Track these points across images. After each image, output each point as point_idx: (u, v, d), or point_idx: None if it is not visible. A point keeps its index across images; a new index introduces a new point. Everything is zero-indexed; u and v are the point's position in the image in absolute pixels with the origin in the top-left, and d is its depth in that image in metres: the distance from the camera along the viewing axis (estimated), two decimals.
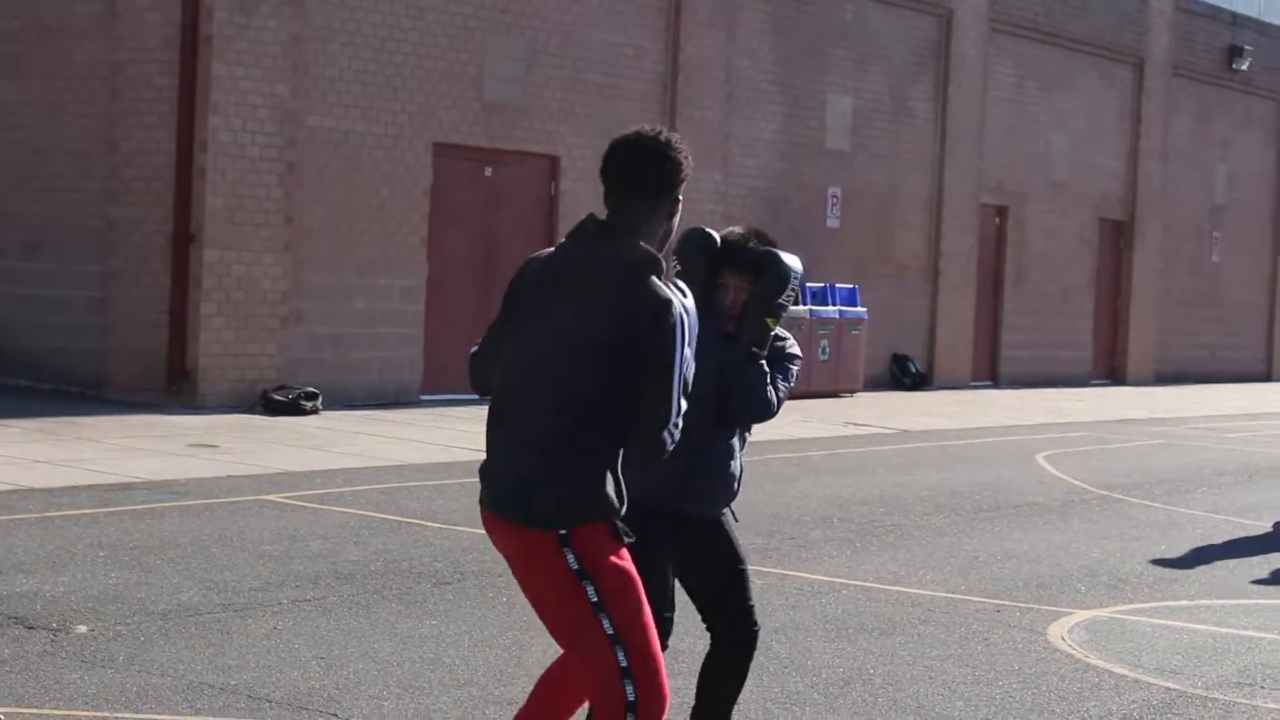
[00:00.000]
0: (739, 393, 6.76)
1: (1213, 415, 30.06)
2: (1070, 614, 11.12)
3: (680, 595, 6.96)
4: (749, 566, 7.09)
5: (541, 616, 5.55)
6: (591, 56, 24.99)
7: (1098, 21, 35.85)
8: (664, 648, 6.72)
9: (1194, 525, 15.74)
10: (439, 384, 22.78)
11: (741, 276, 6.83)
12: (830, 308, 27.78)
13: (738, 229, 6.99)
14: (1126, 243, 37.51)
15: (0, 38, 22.12)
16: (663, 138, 5.63)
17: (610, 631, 5.36)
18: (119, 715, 7.69)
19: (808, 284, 27.48)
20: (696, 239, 6.93)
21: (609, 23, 25.26)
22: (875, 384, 29.96)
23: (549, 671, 5.92)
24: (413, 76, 22.57)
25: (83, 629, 9.17)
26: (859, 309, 28.49)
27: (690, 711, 7.22)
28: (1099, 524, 15.39)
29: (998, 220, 33.85)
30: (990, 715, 8.49)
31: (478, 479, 5.70)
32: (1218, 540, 14.89)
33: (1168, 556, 13.77)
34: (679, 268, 6.85)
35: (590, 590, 5.34)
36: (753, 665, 7.15)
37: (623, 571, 5.42)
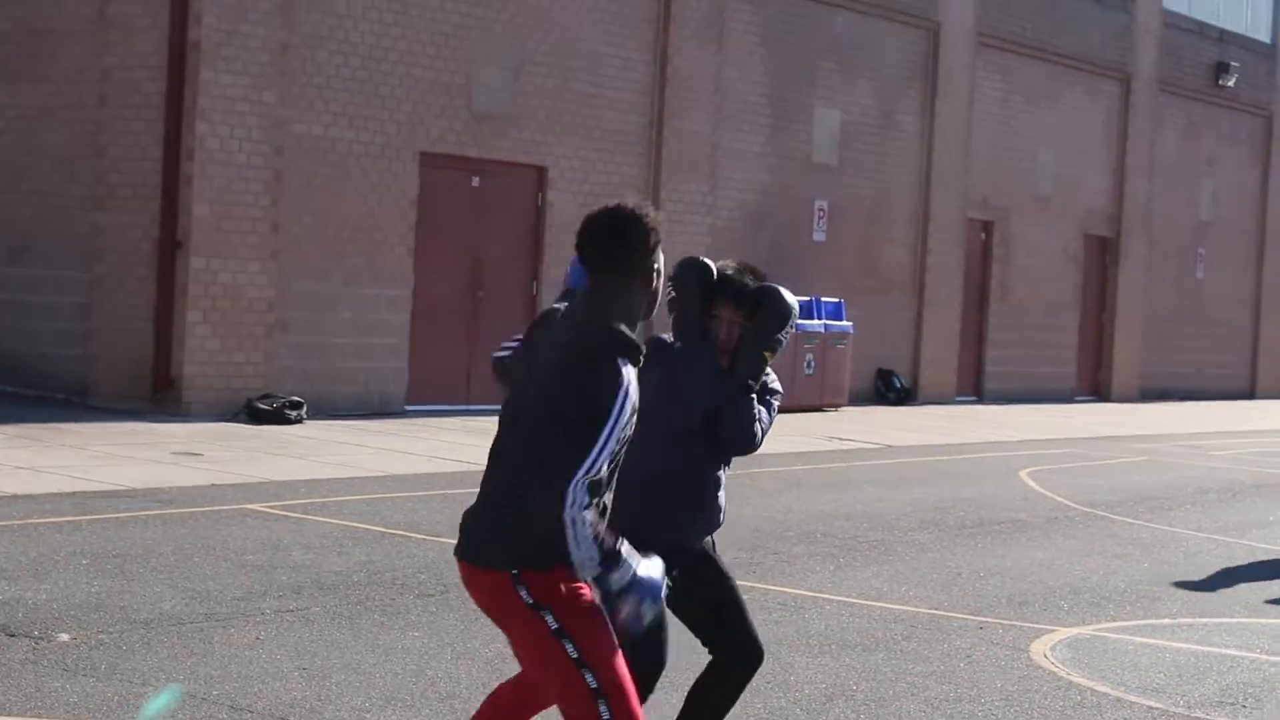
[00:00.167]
0: (730, 424, 6.77)
1: (1197, 432, 30.10)
2: (1053, 631, 11.13)
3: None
4: (737, 583, 7.08)
5: (516, 654, 5.71)
6: (580, 67, 24.99)
7: (1085, 37, 35.92)
8: (650, 690, 6.78)
9: (1177, 543, 15.76)
10: (424, 394, 22.76)
11: (737, 311, 6.84)
12: (815, 322, 27.79)
13: (730, 263, 7.02)
14: (1112, 259, 37.56)
15: None
16: (633, 213, 5.70)
17: (575, 655, 5.47)
18: None
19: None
20: (693, 268, 6.96)
21: (597, 33, 25.27)
22: (860, 399, 29.97)
23: (497, 693, 6.03)
24: (400, 85, 22.56)
25: (64, 637, 9.15)
26: (844, 323, 28.50)
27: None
28: (1083, 541, 15.40)
29: (983, 235, 33.89)
30: None
31: (462, 491, 5.75)
32: (1201, 558, 14.91)
33: (1151, 574, 13.79)
34: (673, 294, 6.89)
35: (549, 619, 5.48)
36: None
37: (579, 598, 5.54)
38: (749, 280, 6.91)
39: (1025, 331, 34.88)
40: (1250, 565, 14.67)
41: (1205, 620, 11.99)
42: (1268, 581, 13.87)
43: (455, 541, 5.75)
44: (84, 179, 21.16)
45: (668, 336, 6.96)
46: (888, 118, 31.10)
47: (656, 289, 5.75)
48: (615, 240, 5.64)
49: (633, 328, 5.65)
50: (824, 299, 28.37)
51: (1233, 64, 40.37)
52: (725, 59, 27.42)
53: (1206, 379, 41.22)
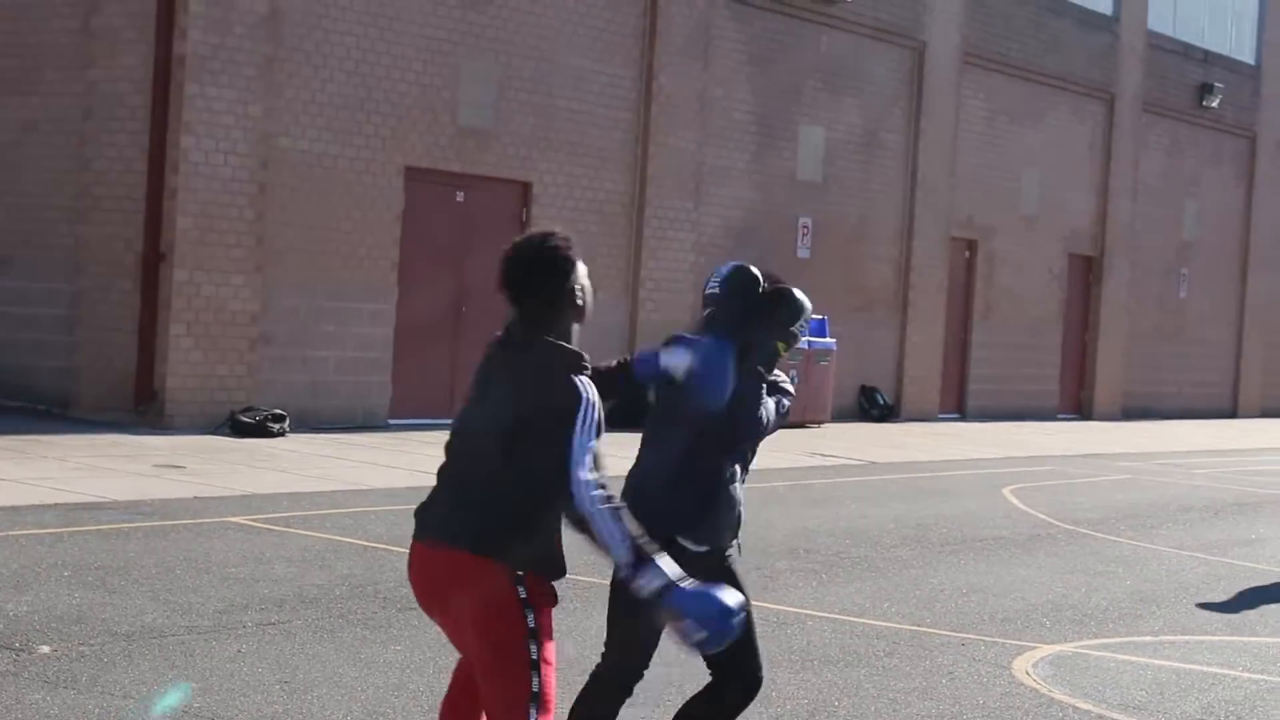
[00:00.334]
0: (739, 406, 6.96)
1: (1179, 451, 30.14)
2: (1035, 648, 11.13)
3: None
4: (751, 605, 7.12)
5: (464, 640, 5.88)
6: (565, 83, 25.01)
7: (1070, 57, 36.01)
8: (628, 693, 7.01)
9: (1160, 561, 15.78)
10: (407, 408, 22.75)
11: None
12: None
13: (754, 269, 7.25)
14: (1095, 278, 37.63)
15: None
16: (543, 243, 5.92)
17: (534, 658, 5.74)
18: None
19: None
20: (739, 283, 7.15)
21: (583, 49, 25.29)
22: (843, 415, 29.98)
23: (449, 699, 6.18)
24: (386, 100, 22.56)
25: (45, 649, 9.13)
26: (828, 340, 28.52)
27: None
28: (1065, 558, 15.42)
29: (967, 254, 33.94)
30: None
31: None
32: (1183, 576, 14.93)
33: (1133, 592, 13.80)
34: (711, 310, 7.13)
35: (530, 618, 5.75)
36: None
37: (550, 618, 5.86)
38: (764, 286, 7.16)
39: (1008, 350, 34.93)
40: (1232, 583, 14.69)
41: (1187, 638, 12.00)
42: (1249, 599, 13.89)
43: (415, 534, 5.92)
44: (68, 191, 21.14)
45: (689, 334, 7.14)
46: (873, 136, 31.15)
47: (584, 304, 5.93)
48: (535, 273, 5.86)
49: (569, 342, 5.89)
50: None
51: (1217, 85, 40.48)
52: (711, 76, 27.46)
53: (1189, 398, 41.29)
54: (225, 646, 9.48)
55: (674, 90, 26.67)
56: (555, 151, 24.84)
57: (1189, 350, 41.31)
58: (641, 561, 5.66)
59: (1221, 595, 14.02)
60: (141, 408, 20.46)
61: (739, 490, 7.13)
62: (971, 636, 11.36)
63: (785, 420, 7.24)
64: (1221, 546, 17.07)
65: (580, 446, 5.71)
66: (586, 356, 5.87)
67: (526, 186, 24.55)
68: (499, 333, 6.06)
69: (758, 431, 7.06)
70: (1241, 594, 14.17)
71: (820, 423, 28.30)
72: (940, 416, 32.87)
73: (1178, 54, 39.77)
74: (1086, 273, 37.49)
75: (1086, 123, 37.03)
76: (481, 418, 5.94)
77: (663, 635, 6.86)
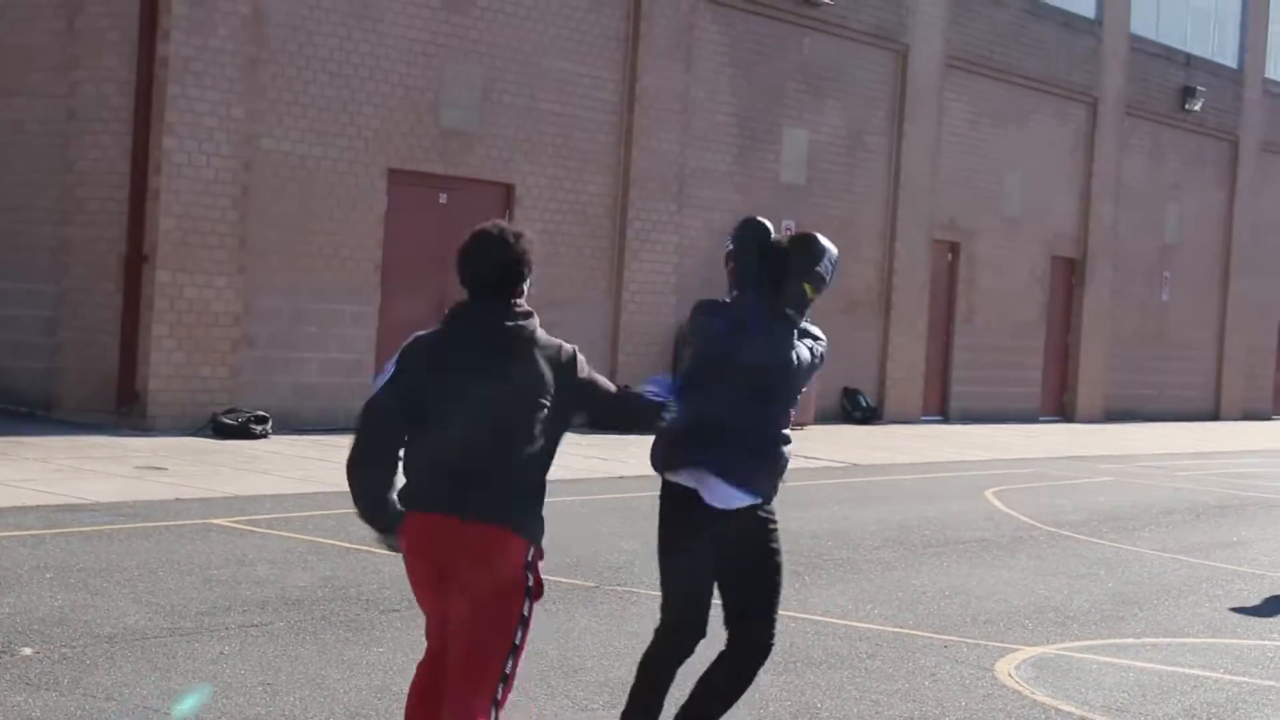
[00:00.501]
0: (762, 345, 7.33)
1: (1161, 454, 30.19)
2: (1017, 650, 11.15)
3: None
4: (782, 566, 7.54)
5: (458, 611, 6.17)
6: (548, 85, 25.01)
7: (1052, 60, 36.07)
8: (689, 650, 7.39)
9: (1142, 563, 15.80)
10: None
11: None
12: None
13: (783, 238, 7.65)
14: (1077, 280, 37.69)
15: None
16: (501, 237, 6.35)
17: (516, 643, 6.21)
18: None
19: None
20: (750, 228, 7.58)
21: (566, 52, 25.29)
22: (826, 417, 30.00)
23: (413, 694, 6.44)
24: (369, 102, 22.55)
25: (27, 651, 9.11)
26: None
27: (682, 705, 7.57)
28: (1047, 560, 15.44)
29: (950, 256, 33.98)
30: None
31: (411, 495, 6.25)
32: (1165, 578, 14.95)
33: (1115, 594, 13.82)
34: (731, 248, 7.58)
35: (527, 605, 6.23)
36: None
37: (535, 610, 6.32)
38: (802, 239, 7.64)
39: (991, 352, 34.97)
40: (1213, 585, 14.72)
41: (1169, 640, 12.02)
42: (1231, 602, 13.91)
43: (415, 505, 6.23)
44: (51, 192, 21.11)
45: (715, 299, 7.62)
46: (856, 138, 31.18)
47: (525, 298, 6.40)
48: (493, 264, 6.32)
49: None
50: None
51: (1199, 88, 40.56)
52: (694, 79, 27.47)
53: (1171, 400, 41.37)
54: (207, 648, 9.47)
55: (657, 93, 26.68)
56: (538, 154, 24.84)
57: (1171, 353, 41.39)
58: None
59: (1203, 598, 14.05)
60: (124, 409, 20.43)
61: (783, 446, 7.46)
62: (954, 638, 11.38)
63: (819, 366, 7.59)
64: (1203, 549, 17.10)
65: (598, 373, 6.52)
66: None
67: (509, 188, 24.54)
68: (449, 320, 6.44)
69: (789, 364, 7.36)
70: (1223, 596, 14.19)
71: (802, 424, 28.30)
72: (923, 419, 32.90)
73: (1160, 57, 39.85)
74: (1069, 275, 37.54)
75: (1069, 126, 37.09)
76: (503, 399, 6.21)
77: (704, 592, 7.34)
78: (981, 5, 33.92)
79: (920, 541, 16.04)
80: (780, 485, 7.54)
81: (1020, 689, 9.97)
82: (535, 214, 24.48)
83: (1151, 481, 24.37)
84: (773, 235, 7.54)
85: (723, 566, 7.40)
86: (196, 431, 20.40)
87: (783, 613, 11.34)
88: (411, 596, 11.14)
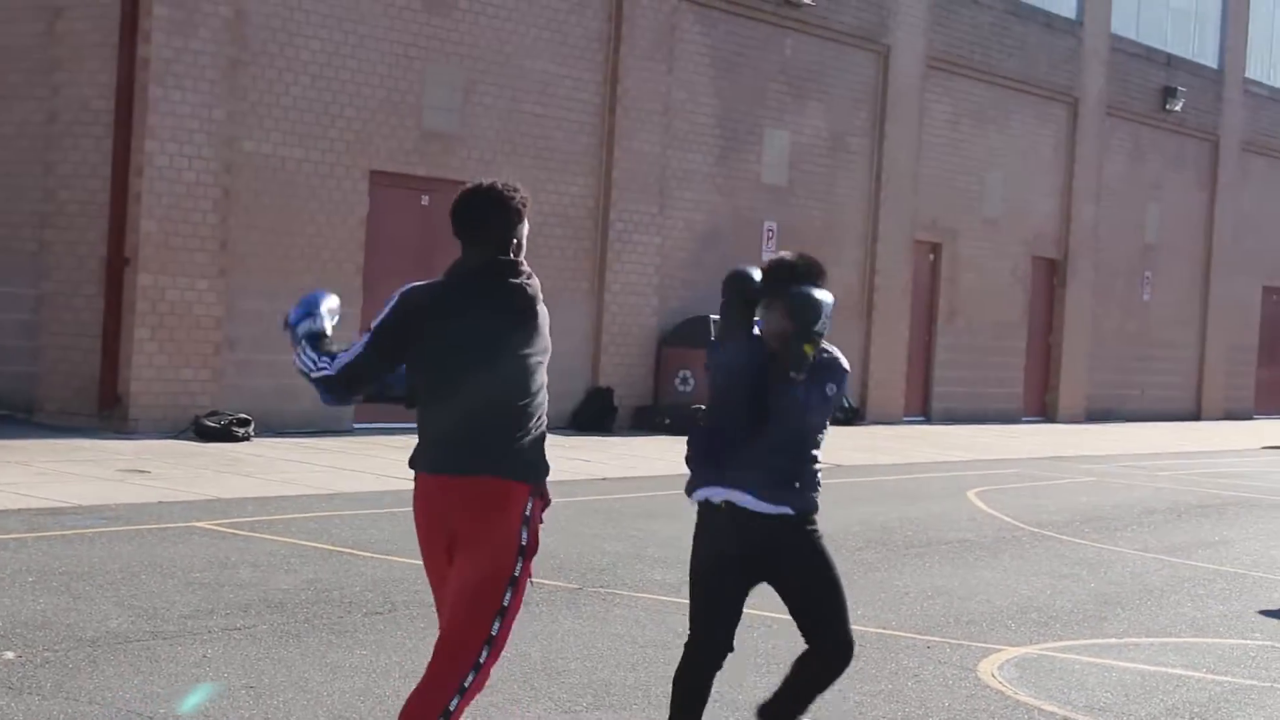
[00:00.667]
0: (781, 411, 7.40)
1: (1143, 454, 30.23)
2: (1000, 650, 11.16)
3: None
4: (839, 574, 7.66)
5: (460, 568, 6.32)
6: (530, 86, 25.01)
7: (1033, 60, 36.12)
8: (717, 664, 7.49)
9: (1124, 563, 15.82)
10: (372, 412, 22.69)
11: (783, 305, 7.45)
12: None
13: (788, 254, 7.74)
14: (1059, 281, 37.74)
15: None
16: (500, 193, 6.54)
17: (505, 605, 6.31)
18: None
19: None
20: (736, 282, 7.63)
21: (548, 53, 25.29)
22: None
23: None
24: (350, 104, 22.54)
25: (10, 655, 9.10)
26: None
27: (765, 702, 7.81)
28: (1030, 561, 15.46)
29: (932, 257, 34.02)
30: None
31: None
32: (1147, 578, 14.97)
33: (1097, 594, 13.84)
34: (720, 320, 7.69)
35: (519, 565, 6.33)
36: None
37: (529, 570, 6.44)
38: (800, 263, 7.63)
39: (973, 352, 35.01)
40: (1195, 585, 14.74)
41: (1151, 640, 12.04)
42: (1213, 601, 13.94)
43: (422, 467, 6.46)
44: (32, 195, 21.07)
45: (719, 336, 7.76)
46: (837, 139, 31.20)
47: (522, 248, 6.55)
48: (487, 215, 6.49)
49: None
50: None
51: (1180, 88, 40.63)
52: (675, 80, 27.48)
53: (1152, 401, 41.44)
54: (190, 651, 9.46)
55: (638, 94, 26.68)
56: (520, 155, 24.83)
57: (1152, 353, 41.45)
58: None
59: (1185, 597, 14.07)
60: (106, 412, 20.40)
61: (809, 462, 7.61)
62: (936, 639, 11.39)
63: (840, 396, 7.70)
64: (1185, 549, 17.13)
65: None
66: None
67: None
68: (451, 275, 6.53)
69: (805, 422, 7.49)
70: (1205, 596, 14.22)
71: None
72: (905, 419, 32.93)
73: (1141, 57, 39.92)
74: (1050, 275, 37.60)
75: (1050, 126, 37.15)
76: (511, 352, 6.36)
77: (729, 609, 7.45)
78: (963, 6, 33.97)
79: (903, 542, 16.06)
80: (817, 499, 7.67)
81: (1003, 689, 9.98)
82: None
83: (1133, 481, 24.40)
84: (757, 278, 7.59)
85: (777, 585, 7.58)
86: (178, 434, 20.37)
87: (766, 613, 11.38)
88: (394, 599, 11.17)
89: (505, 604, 6.29)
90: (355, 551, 13.16)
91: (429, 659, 6.49)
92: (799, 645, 10.82)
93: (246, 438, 20.52)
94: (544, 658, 9.83)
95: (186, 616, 10.35)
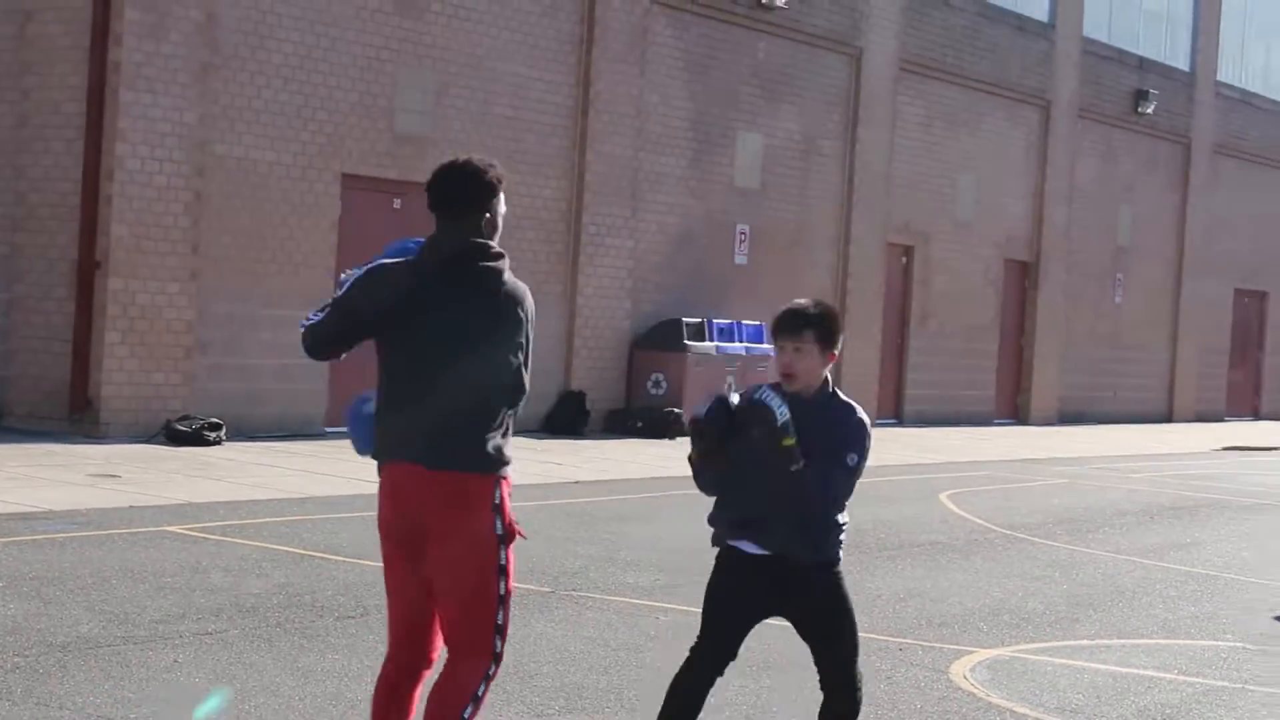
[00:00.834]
0: (801, 497, 7.22)
1: (1115, 456, 30.30)
2: (972, 653, 11.17)
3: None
4: (856, 624, 7.52)
5: (441, 570, 6.39)
6: (502, 89, 25.00)
7: (1005, 63, 36.19)
8: (715, 674, 7.38)
9: (1096, 565, 15.86)
10: (343, 416, 22.65)
11: (791, 338, 7.20)
12: (737, 344, 27.86)
13: (803, 300, 7.41)
14: (1031, 283, 37.81)
15: None
16: (474, 163, 6.67)
17: (502, 593, 6.41)
18: None
19: (714, 320, 27.62)
20: (714, 413, 7.24)
21: (520, 56, 25.28)
22: None
23: (378, 695, 6.75)
24: (322, 107, 22.50)
25: None
26: (765, 346, 28.54)
27: None
28: (1002, 563, 15.48)
29: (904, 259, 34.06)
30: None
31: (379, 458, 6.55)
32: (1119, 580, 15.01)
33: (1069, 596, 13.87)
34: (702, 439, 7.29)
35: (502, 554, 6.39)
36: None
37: (511, 556, 6.46)
38: (813, 309, 7.27)
39: (945, 355, 35.06)
40: (1167, 587, 14.78)
41: (1123, 641, 12.07)
42: (1184, 603, 13.98)
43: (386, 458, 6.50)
44: (2, 199, 20.99)
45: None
46: (810, 142, 31.22)
47: (496, 226, 6.63)
48: (461, 189, 6.55)
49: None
50: (745, 322, 28.41)
51: (1152, 91, 40.73)
52: (648, 83, 27.48)
53: (1124, 403, 41.53)
54: (161, 656, 9.44)
55: (611, 97, 26.68)
56: (492, 158, 24.73)
57: (1124, 355, 41.55)
58: None
59: (1157, 599, 14.10)
60: (76, 416, 20.34)
61: (825, 512, 7.38)
62: (909, 641, 11.40)
63: (859, 470, 7.34)
64: (1157, 550, 17.17)
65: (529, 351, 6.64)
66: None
67: None
68: (423, 252, 6.52)
69: (836, 501, 7.34)
70: (1176, 598, 14.25)
71: None
72: (878, 422, 32.90)
73: (1113, 60, 40.02)
74: (1022, 278, 37.67)
75: (1022, 128, 37.22)
76: (490, 347, 6.38)
77: (743, 627, 7.39)
78: (935, 9, 34.02)
79: (875, 544, 16.07)
80: (839, 549, 7.52)
81: (975, 691, 9.99)
82: None
83: (1105, 483, 24.46)
84: (733, 408, 7.21)
85: (797, 627, 7.50)
86: (150, 438, 20.32)
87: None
88: (366, 603, 11.14)
89: (502, 592, 6.40)
90: (327, 556, 13.14)
91: (429, 659, 6.63)
92: (771, 648, 10.82)
93: (218, 442, 20.47)
94: (516, 661, 9.81)
95: (158, 621, 10.33)
